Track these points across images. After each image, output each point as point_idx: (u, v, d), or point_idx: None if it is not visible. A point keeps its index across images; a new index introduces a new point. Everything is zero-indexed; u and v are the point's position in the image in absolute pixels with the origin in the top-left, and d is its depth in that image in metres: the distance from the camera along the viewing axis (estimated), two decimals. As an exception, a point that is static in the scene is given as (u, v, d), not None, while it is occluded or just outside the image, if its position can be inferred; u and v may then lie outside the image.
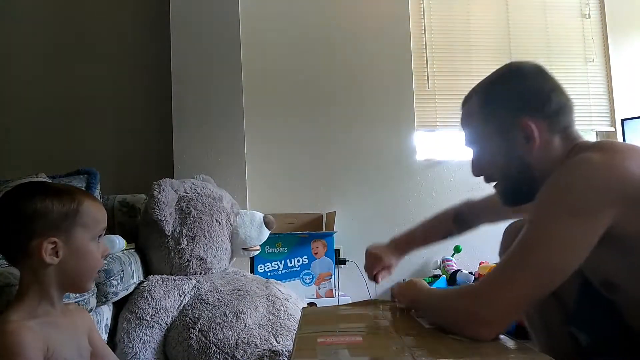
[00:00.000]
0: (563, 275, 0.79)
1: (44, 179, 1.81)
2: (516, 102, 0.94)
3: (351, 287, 2.44)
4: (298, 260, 2.29)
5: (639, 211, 0.79)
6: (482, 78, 1.04)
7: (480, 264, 2.50)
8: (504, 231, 1.16)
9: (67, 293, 1.01)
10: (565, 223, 0.79)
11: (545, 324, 0.90)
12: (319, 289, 2.29)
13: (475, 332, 0.78)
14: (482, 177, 1.03)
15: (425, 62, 2.82)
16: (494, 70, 1.03)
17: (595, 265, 0.82)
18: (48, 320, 0.88)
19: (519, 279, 0.78)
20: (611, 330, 0.94)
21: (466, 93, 1.06)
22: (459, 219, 1.32)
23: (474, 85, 1.04)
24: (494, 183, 1.02)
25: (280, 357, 1.39)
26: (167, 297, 1.58)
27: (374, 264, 1.33)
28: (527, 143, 0.93)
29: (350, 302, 2.23)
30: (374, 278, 1.34)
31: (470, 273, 2.41)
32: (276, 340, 1.47)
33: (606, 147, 0.87)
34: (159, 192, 1.71)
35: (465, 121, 1.03)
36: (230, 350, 1.43)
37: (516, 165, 0.95)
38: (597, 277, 0.87)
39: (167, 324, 1.54)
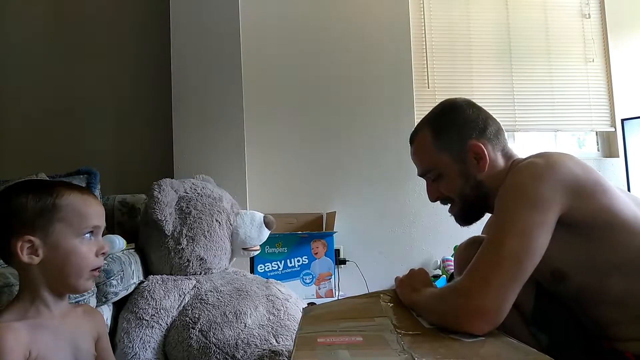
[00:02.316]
0: (535, 259, 0.88)
1: (44, 179, 1.81)
2: (463, 130, 1.10)
3: (351, 287, 2.44)
4: (298, 260, 2.29)
5: (582, 201, 0.91)
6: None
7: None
8: (457, 249, 1.26)
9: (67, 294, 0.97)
10: (526, 214, 0.89)
11: (509, 328, 0.93)
12: (319, 289, 2.29)
13: (474, 326, 0.81)
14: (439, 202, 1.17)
15: (425, 62, 2.82)
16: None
17: (547, 256, 0.90)
18: (38, 322, 0.85)
19: (501, 266, 0.85)
20: (566, 329, 1.04)
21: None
22: None
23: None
24: (449, 206, 1.16)
25: (280, 357, 1.39)
26: (167, 297, 1.58)
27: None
28: (478, 163, 1.08)
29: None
30: None
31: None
32: (276, 340, 1.47)
33: (545, 154, 1.02)
34: (159, 192, 1.71)
35: (418, 154, 1.16)
36: (230, 350, 1.43)
37: (470, 184, 1.09)
38: (548, 267, 0.94)
39: (167, 324, 1.54)
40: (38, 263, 0.84)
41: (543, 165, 0.95)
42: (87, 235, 0.90)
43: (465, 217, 1.15)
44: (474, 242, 1.17)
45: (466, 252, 1.15)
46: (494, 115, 1.16)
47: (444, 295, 0.92)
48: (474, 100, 1.16)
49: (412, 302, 1.01)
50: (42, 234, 0.84)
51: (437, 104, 1.20)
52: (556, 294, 1.05)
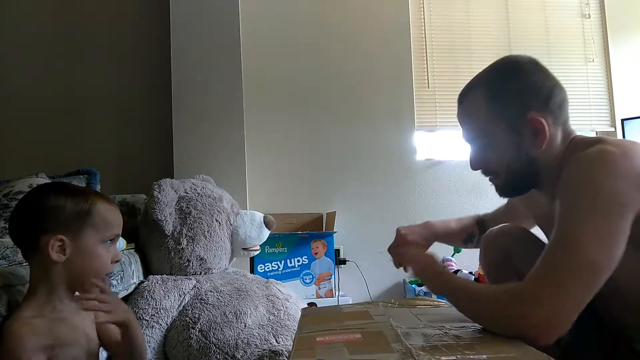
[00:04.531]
0: (612, 269, 0.78)
1: (44, 179, 1.82)
2: (524, 98, 0.95)
3: (351, 287, 2.44)
4: (298, 260, 2.29)
5: None
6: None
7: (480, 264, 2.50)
8: (482, 238, 1.18)
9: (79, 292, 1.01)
10: (604, 218, 0.79)
11: None
12: (319, 289, 2.29)
13: (540, 337, 0.75)
14: (479, 172, 1.05)
15: (425, 62, 2.83)
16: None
17: None
18: (57, 316, 0.89)
19: (579, 276, 0.77)
20: (589, 330, 0.97)
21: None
22: (481, 223, 1.33)
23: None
24: (489, 177, 1.04)
25: (280, 357, 1.39)
26: (167, 297, 1.58)
27: (397, 241, 1.29)
28: (536, 138, 0.94)
29: (350, 302, 2.24)
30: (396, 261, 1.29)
31: (470, 273, 2.41)
32: (276, 340, 1.47)
33: (616, 142, 0.88)
34: (159, 192, 1.71)
35: (467, 117, 1.03)
36: (230, 350, 1.43)
37: (522, 159, 0.96)
38: None
39: (167, 324, 1.54)
40: (63, 262, 0.89)
41: (619, 156, 0.82)
42: (108, 242, 0.96)
43: (508, 191, 1.04)
44: (506, 233, 1.10)
45: (498, 241, 1.08)
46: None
47: (496, 297, 0.82)
48: None
49: (433, 272, 0.95)
50: (73, 236, 0.90)
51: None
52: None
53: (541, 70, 0.98)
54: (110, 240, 0.96)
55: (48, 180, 1.80)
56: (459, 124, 1.06)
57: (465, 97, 1.03)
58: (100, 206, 0.93)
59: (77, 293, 0.96)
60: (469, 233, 1.33)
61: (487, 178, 1.05)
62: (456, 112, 1.06)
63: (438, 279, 0.95)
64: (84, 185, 1.88)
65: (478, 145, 1.02)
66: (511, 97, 0.96)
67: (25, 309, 0.87)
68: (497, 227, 1.14)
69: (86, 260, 0.91)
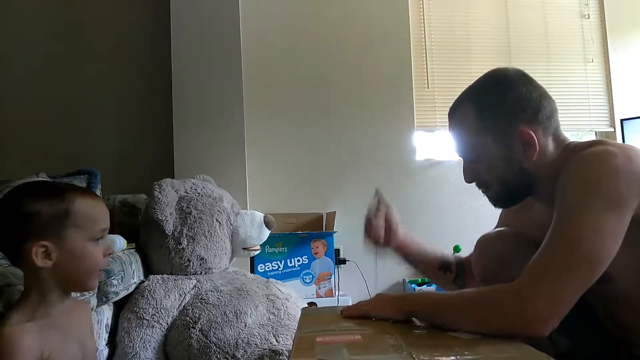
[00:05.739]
0: (604, 267, 0.80)
1: (45, 179, 1.82)
2: (512, 112, 0.96)
3: (351, 286, 2.45)
4: (298, 260, 2.29)
5: None
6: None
7: (479, 264, 2.50)
8: (477, 242, 1.15)
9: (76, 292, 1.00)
10: (603, 215, 0.80)
11: None
12: (319, 288, 2.30)
13: (539, 329, 0.76)
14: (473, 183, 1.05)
15: (424, 63, 2.83)
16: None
17: None
18: (48, 321, 0.87)
19: (576, 270, 0.78)
20: (589, 333, 0.97)
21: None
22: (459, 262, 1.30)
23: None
24: (482, 189, 1.05)
25: (281, 357, 1.40)
26: (167, 297, 1.58)
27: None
28: (526, 150, 0.95)
29: (350, 302, 2.24)
30: (376, 240, 1.28)
31: (470, 273, 2.42)
32: (276, 340, 1.47)
33: (616, 144, 0.89)
34: (160, 192, 1.72)
35: (458, 130, 1.03)
36: (231, 350, 1.43)
37: (514, 171, 0.97)
38: None
39: (167, 324, 1.55)
40: (51, 266, 0.86)
41: (620, 157, 0.83)
42: (98, 237, 0.92)
43: (502, 202, 1.05)
44: (502, 236, 1.09)
45: (494, 245, 1.07)
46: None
47: (491, 297, 0.82)
48: None
49: (411, 310, 0.89)
50: (55, 239, 0.86)
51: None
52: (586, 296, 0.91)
53: (529, 82, 0.99)
54: (99, 236, 0.92)
55: (49, 181, 1.81)
56: (451, 137, 1.06)
57: (455, 112, 1.04)
58: (79, 203, 0.88)
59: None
60: (445, 258, 1.30)
61: (481, 190, 1.05)
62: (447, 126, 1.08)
63: (421, 302, 0.91)
64: (84, 185, 1.88)
65: (469, 158, 1.03)
66: (500, 111, 0.97)
67: (16, 313, 0.85)
68: (494, 230, 1.14)
69: (76, 261, 0.88)
